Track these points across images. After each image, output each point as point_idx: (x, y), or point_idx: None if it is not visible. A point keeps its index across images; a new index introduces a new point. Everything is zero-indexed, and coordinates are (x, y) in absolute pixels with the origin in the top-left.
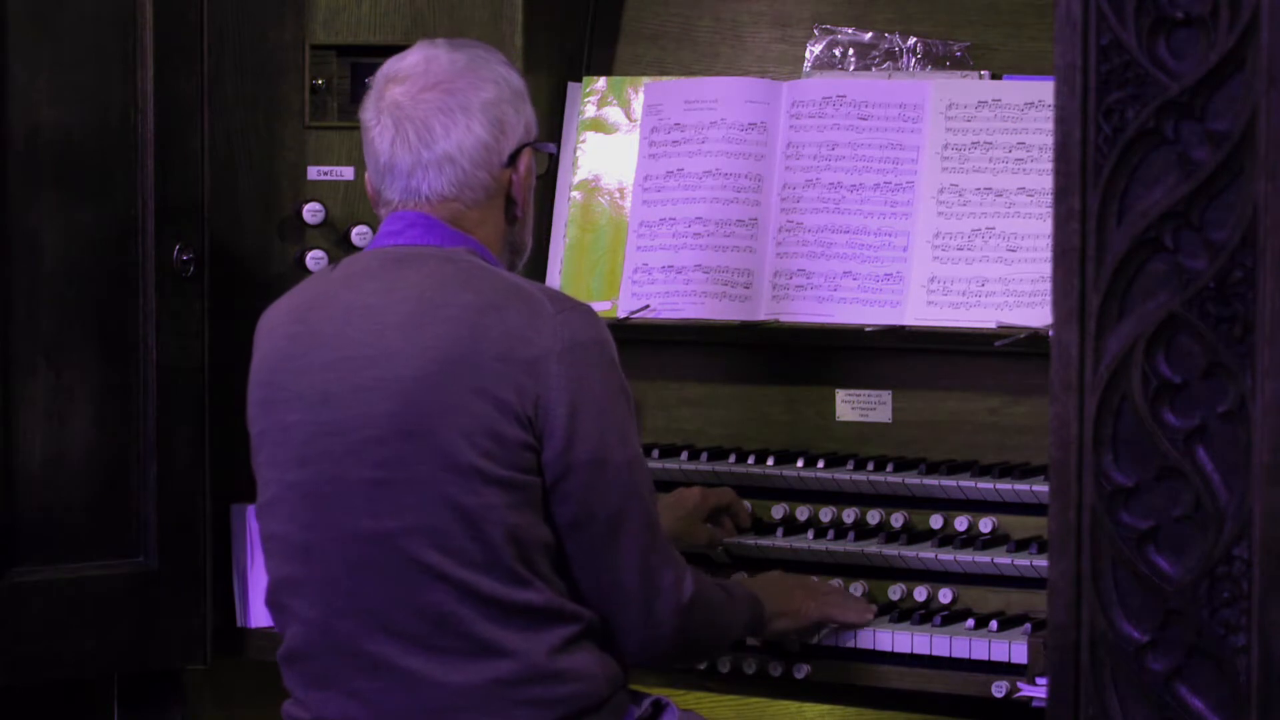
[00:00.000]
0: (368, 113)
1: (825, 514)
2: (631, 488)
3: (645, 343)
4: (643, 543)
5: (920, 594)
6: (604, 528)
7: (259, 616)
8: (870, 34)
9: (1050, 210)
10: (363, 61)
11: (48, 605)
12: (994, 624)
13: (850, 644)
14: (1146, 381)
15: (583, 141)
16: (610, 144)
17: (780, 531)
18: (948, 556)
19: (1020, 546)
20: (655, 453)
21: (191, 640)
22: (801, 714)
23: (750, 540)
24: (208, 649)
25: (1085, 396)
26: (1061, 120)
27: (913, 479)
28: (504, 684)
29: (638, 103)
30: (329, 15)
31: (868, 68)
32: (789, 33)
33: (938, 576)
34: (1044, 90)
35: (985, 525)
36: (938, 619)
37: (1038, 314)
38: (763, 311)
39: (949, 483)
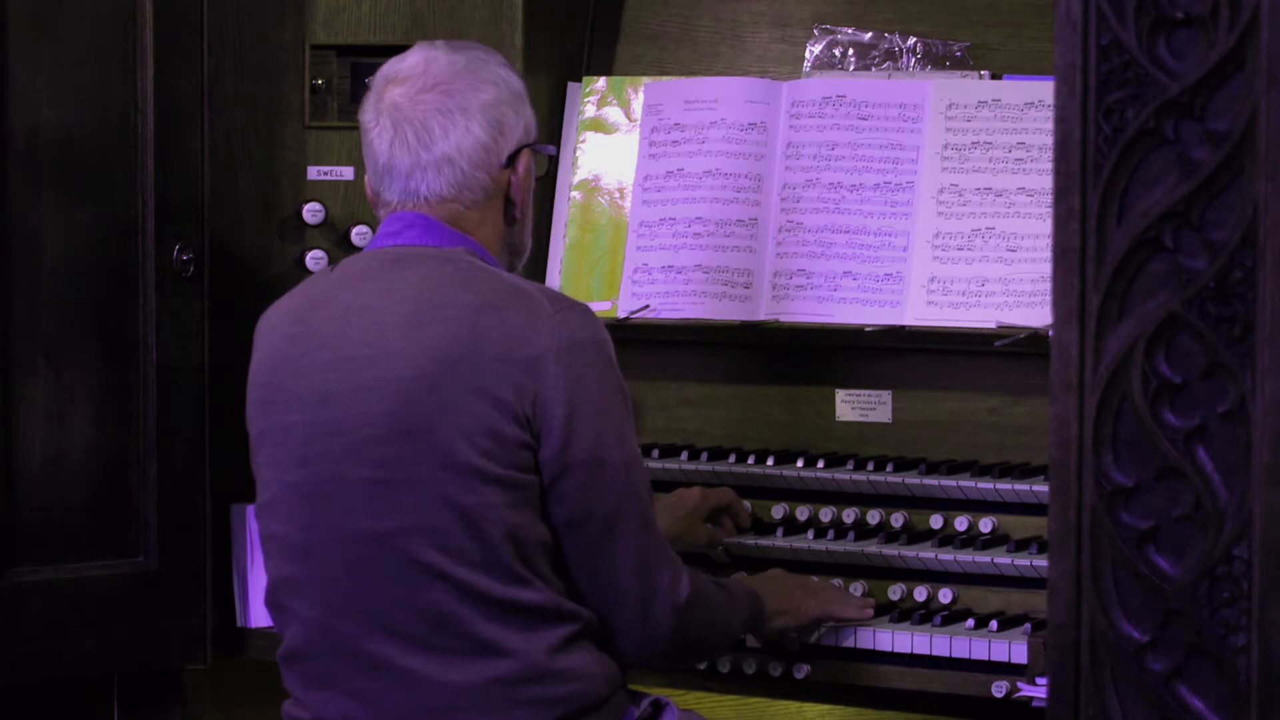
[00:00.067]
0: (367, 114)
1: (825, 514)
2: (629, 488)
3: (645, 343)
4: (640, 543)
5: (920, 594)
6: (601, 527)
7: (259, 616)
8: (870, 34)
9: (1050, 210)
10: (363, 61)
11: (48, 605)
12: (994, 624)
13: (850, 644)
14: (1146, 381)
15: (583, 141)
16: (610, 144)
17: (780, 531)
18: (948, 556)
19: (1020, 546)
20: (655, 453)
21: (191, 640)
22: (801, 714)
23: (750, 540)
24: (208, 649)
25: (1085, 396)
26: (1061, 120)
27: (913, 479)
28: (503, 683)
29: (638, 103)
30: (329, 15)
31: (868, 68)
32: (789, 33)
33: (938, 576)
34: (1044, 90)
35: (985, 525)
36: (938, 619)
37: (1038, 314)
38: (763, 311)
39: (949, 483)
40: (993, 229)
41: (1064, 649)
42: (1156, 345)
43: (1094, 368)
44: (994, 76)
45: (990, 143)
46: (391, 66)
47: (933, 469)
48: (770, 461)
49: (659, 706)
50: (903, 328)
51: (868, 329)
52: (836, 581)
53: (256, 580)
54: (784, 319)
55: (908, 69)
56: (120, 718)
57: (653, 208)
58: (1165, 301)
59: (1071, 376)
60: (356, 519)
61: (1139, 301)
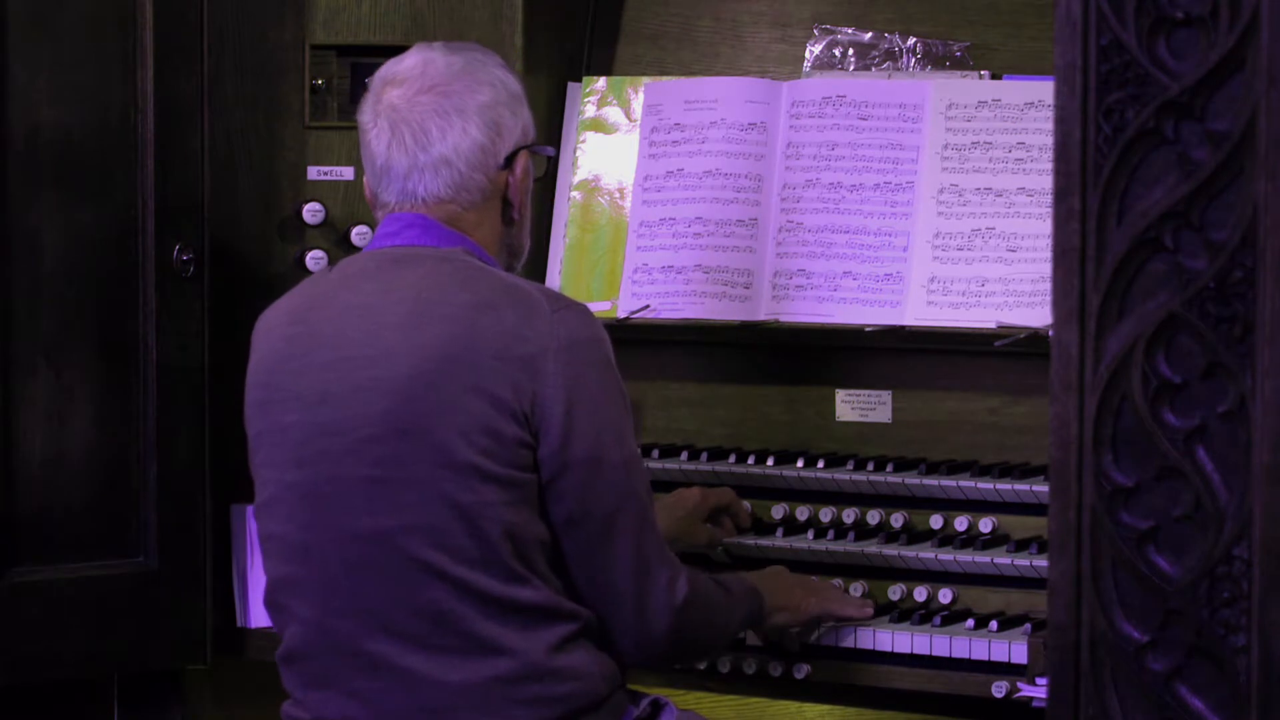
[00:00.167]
0: (365, 115)
1: (825, 514)
2: (627, 487)
3: (645, 343)
4: (638, 542)
5: (920, 594)
6: (599, 526)
7: (259, 616)
8: (870, 34)
9: (1050, 210)
10: (363, 61)
11: (48, 605)
12: (994, 624)
13: (850, 644)
14: (1146, 381)
15: (583, 141)
16: (610, 144)
17: (780, 531)
18: (948, 556)
19: (1020, 546)
20: (655, 453)
21: (191, 640)
22: (801, 714)
23: (750, 540)
24: (208, 649)
25: (1085, 396)
26: (1061, 120)
27: (913, 479)
28: (503, 682)
29: (638, 103)
30: (329, 15)
31: (868, 68)
32: (789, 33)
33: (938, 576)
34: (1044, 90)
35: (985, 525)
36: (938, 619)
37: (1038, 314)
38: (763, 311)
39: (949, 483)
40: (993, 229)
41: (1064, 649)
42: (1156, 345)
43: (1094, 368)
44: (994, 76)
45: (990, 143)
46: (389, 68)
47: (933, 469)
48: (770, 461)
49: (658, 706)
50: (903, 328)
51: (868, 329)
52: (836, 581)
53: (256, 580)
54: (784, 319)
55: (908, 69)
56: (120, 718)
57: (653, 208)
58: (1165, 301)
59: (1071, 376)
60: (355, 518)
61: (1139, 301)
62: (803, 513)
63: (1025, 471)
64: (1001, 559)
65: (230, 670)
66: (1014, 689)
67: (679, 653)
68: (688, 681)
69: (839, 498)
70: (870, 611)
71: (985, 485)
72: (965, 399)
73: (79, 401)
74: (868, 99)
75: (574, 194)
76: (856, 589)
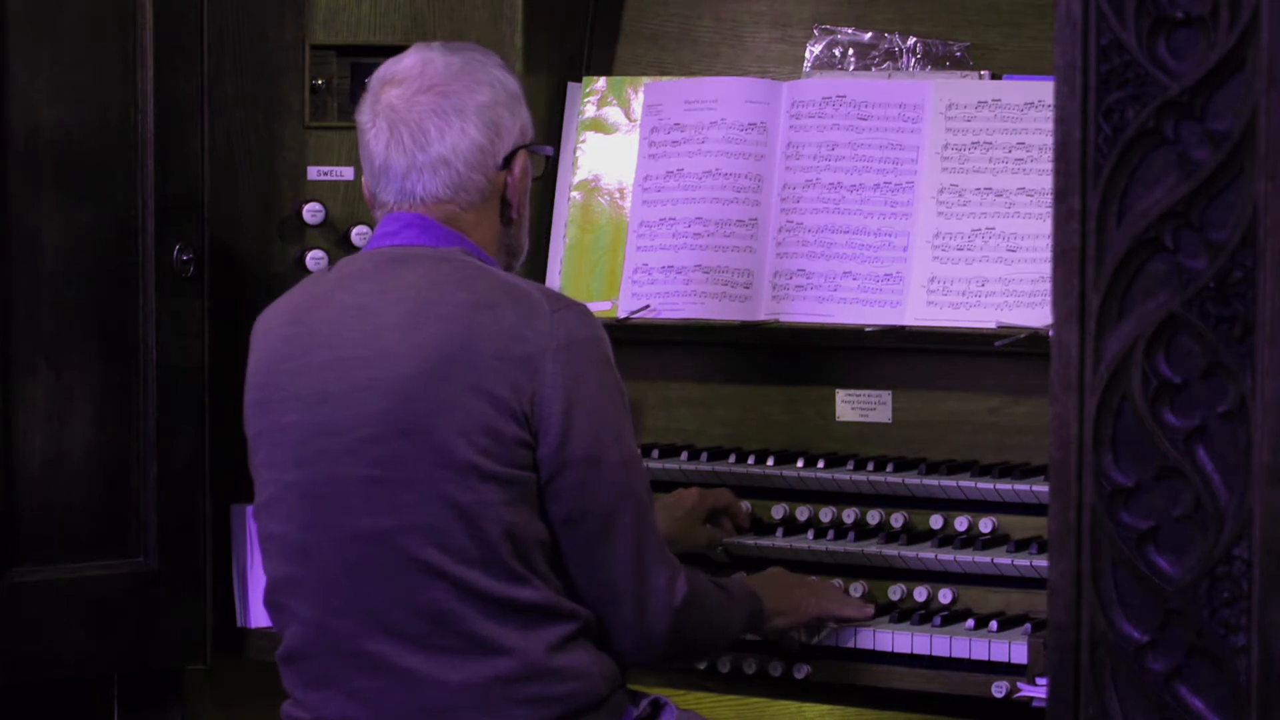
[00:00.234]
0: (363, 115)
1: (825, 514)
2: (626, 486)
3: (645, 343)
4: (637, 542)
5: (920, 594)
6: (598, 525)
7: (259, 616)
8: (870, 34)
9: (1050, 210)
10: (363, 62)
11: (48, 605)
12: (994, 624)
13: (850, 644)
14: (1146, 381)
15: (583, 141)
16: (610, 144)
17: (780, 532)
18: (948, 556)
19: (1020, 546)
20: (655, 453)
21: (191, 640)
22: (801, 714)
23: (750, 540)
24: (208, 649)
25: (1085, 396)
26: (1061, 120)
27: (913, 479)
28: (503, 682)
29: (638, 103)
30: (329, 15)
31: (868, 68)
32: (789, 33)
33: (938, 576)
34: (1044, 90)
35: (985, 525)
36: (938, 619)
37: (1038, 314)
38: (763, 311)
39: (949, 483)
40: (993, 229)
41: (1064, 649)
42: (1156, 345)
43: (1094, 368)
44: (994, 76)
45: (990, 143)
46: (388, 68)
47: (933, 469)
48: (770, 462)
49: (658, 706)
50: (903, 328)
51: (868, 329)
52: (836, 582)
53: (256, 580)
54: (784, 319)
55: (908, 69)
56: (120, 718)
57: (653, 208)
58: (1165, 301)
59: (1071, 376)
60: (355, 518)
61: (1139, 301)
62: (803, 513)
63: (1025, 471)
64: (1001, 559)
65: (230, 670)
66: (1014, 689)
67: (678, 653)
68: (688, 681)
69: (839, 498)
70: (871, 612)
71: (985, 485)
72: (965, 399)
73: (79, 401)
74: (868, 99)
75: (574, 194)
76: (856, 589)
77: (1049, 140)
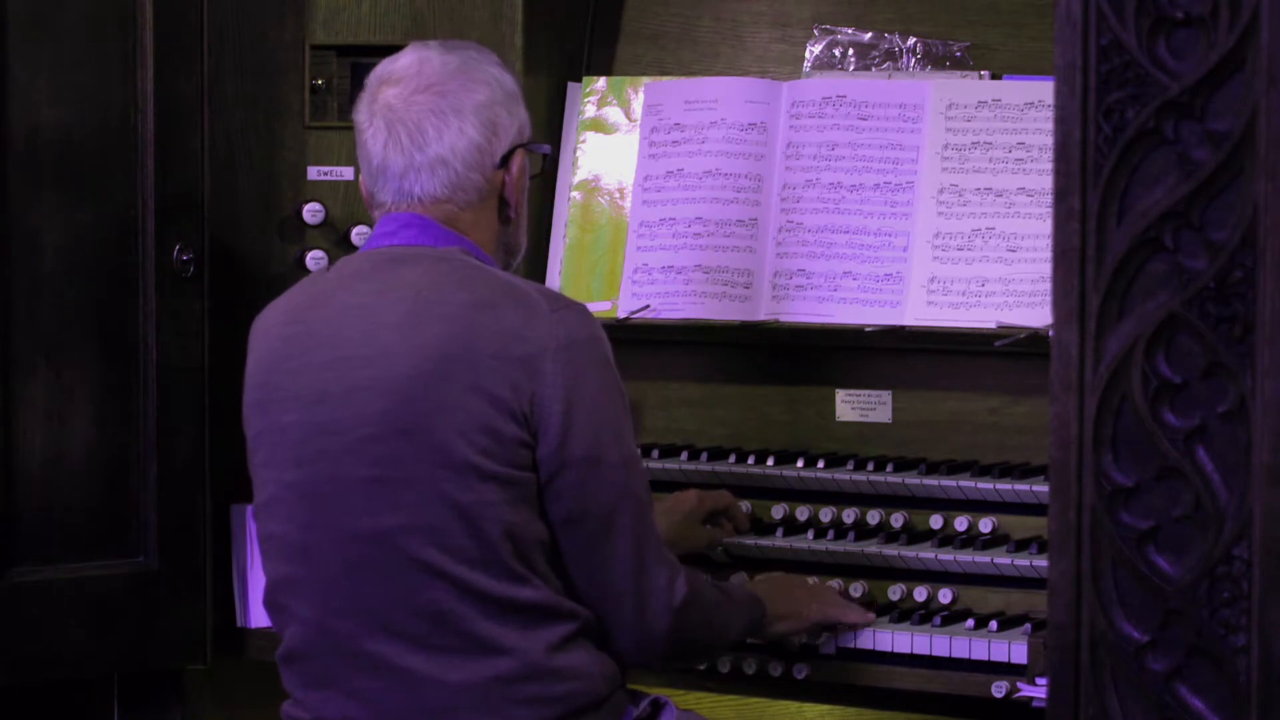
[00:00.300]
0: (361, 114)
1: (825, 514)
2: (626, 487)
3: (645, 343)
4: (636, 542)
5: (920, 594)
6: (597, 525)
7: (259, 616)
8: (870, 34)
9: (1050, 210)
10: (363, 61)
11: (48, 605)
12: (994, 624)
13: (850, 644)
14: (1146, 381)
15: (583, 141)
16: (610, 144)
17: (780, 532)
18: (948, 556)
19: (1020, 546)
20: (655, 453)
21: (191, 640)
22: (801, 714)
23: (750, 540)
24: (208, 649)
25: (1085, 396)
26: (1061, 120)
27: (913, 479)
28: (503, 682)
29: (638, 103)
30: (329, 15)
31: (868, 68)
32: (789, 33)
33: (938, 576)
34: (1044, 90)
35: (985, 525)
36: (938, 619)
37: (1038, 314)
38: (763, 311)
39: (949, 483)
40: (993, 229)
41: (1064, 649)
42: (1156, 345)
43: (1094, 368)
44: (994, 76)
45: (990, 143)
46: (385, 67)
47: (933, 469)
48: (770, 462)
49: (658, 706)
50: (903, 328)
51: (868, 329)
52: (836, 582)
53: (256, 580)
54: (784, 319)
55: (908, 69)
56: (120, 718)
57: (653, 208)
58: (1165, 301)
59: (1071, 376)
60: (355, 518)
61: (1139, 301)
62: (803, 513)
63: (1025, 471)
64: (1001, 559)
65: (230, 670)
66: (1014, 689)
67: (678, 653)
68: (688, 681)
69: (839, 498)
70: (872, 617)
71: (985, 485)
72: (965, 399)
73: (79, 401)
74: (868, 99)
75: (574, 194)
76: (856, 589)
77: (1049, 140)
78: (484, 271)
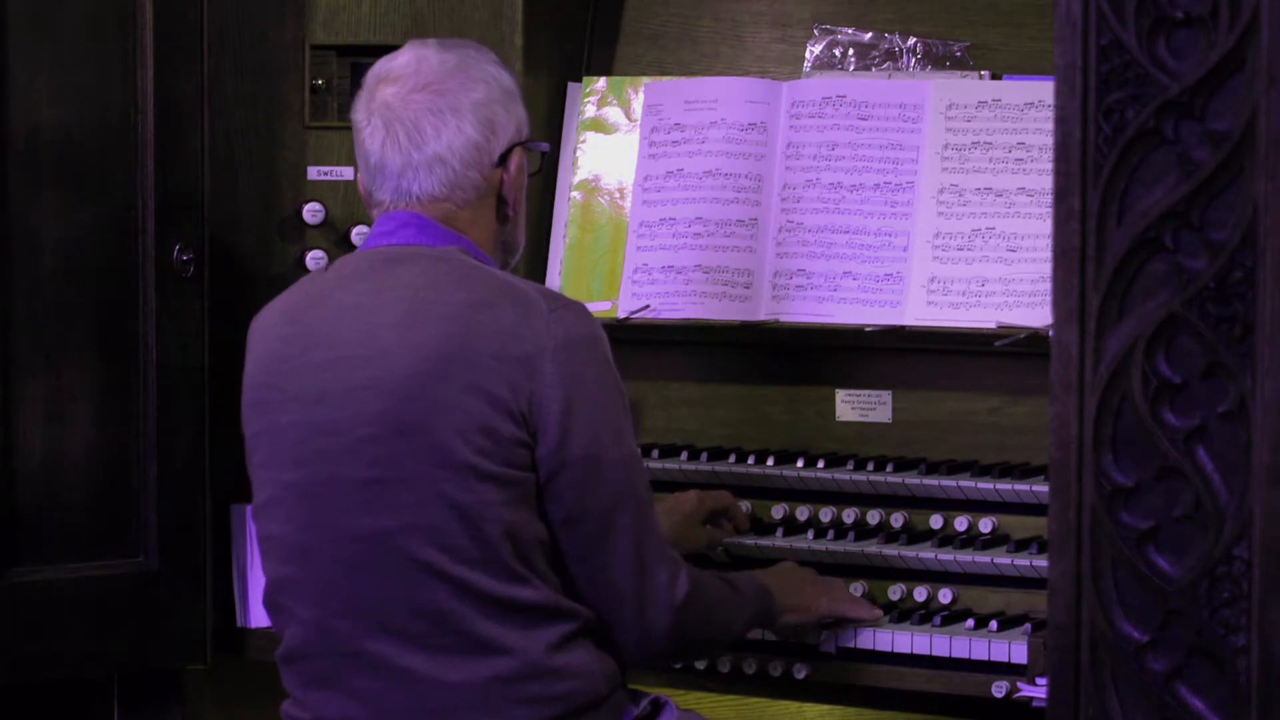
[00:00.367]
0: (359, 113)
1: (825, 514)
2: (626, 485)
3: (645, 343)
4: (637, 540)
5: (920, 594)
6: (597, 525)
7: (259, 616)
8: (870, 34)
9: (1050, 210)
10: (363, 61)
11: (48, 605)
12: (994, 624)
13: (850, 644)
14: (1146, 381)
15: (583, 141)
16: (610, 144)
17: (780, 532)
18: (948, 556)
19: (1020, 546)
20: (655, 453)
21: (191, 640)
22: (801, 714)
23: (750, 540)
24: (208, 649)
25: (1085, 396)
26: (1061, 120)
27: (913, 479)
28: (503, 681)
29: (638, 103)
30: (329, 15)
31: (868, 68)
32: (789, 33)
33: (938, 576)
34: (1044, 90)
35: (985, 525)
36: (938, 619)
37: (1038, 314)
38: (763, 311)
39: (949, 483)
40: (993, 229)
41: (1064, 649)
42: (1156, 345)
43: (1094, 368)
44: (994, 76)
45: (990, 143)
46: (383, 65)
47: (933, 469)
48: (770, 462)
49: (658, 705)
50: (903, 328)
51: (868, 329)
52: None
53: (256, 580)
54: (784, 319)
55: (908, 69)
56: (120, 718)
57: (653, 208)
58: (1165, 301)
59: (1071, 376)
60: (354, 518)
61: (1139, 301)
62: (803, 513)
63: (1025, 471)
64: (1001, 559)
65: (230, 670)
66: (1014, 689)
67: (681, 651)
68: (688, 681)
69: (839, 498)
70: (879, 614)
71: (985, 485)
72: (965, 399)
73: (79, 401)
74: (868, 99)
75: (574, 194)
76: (856, 589)
77: (1049, 140)
78: (482, 271)
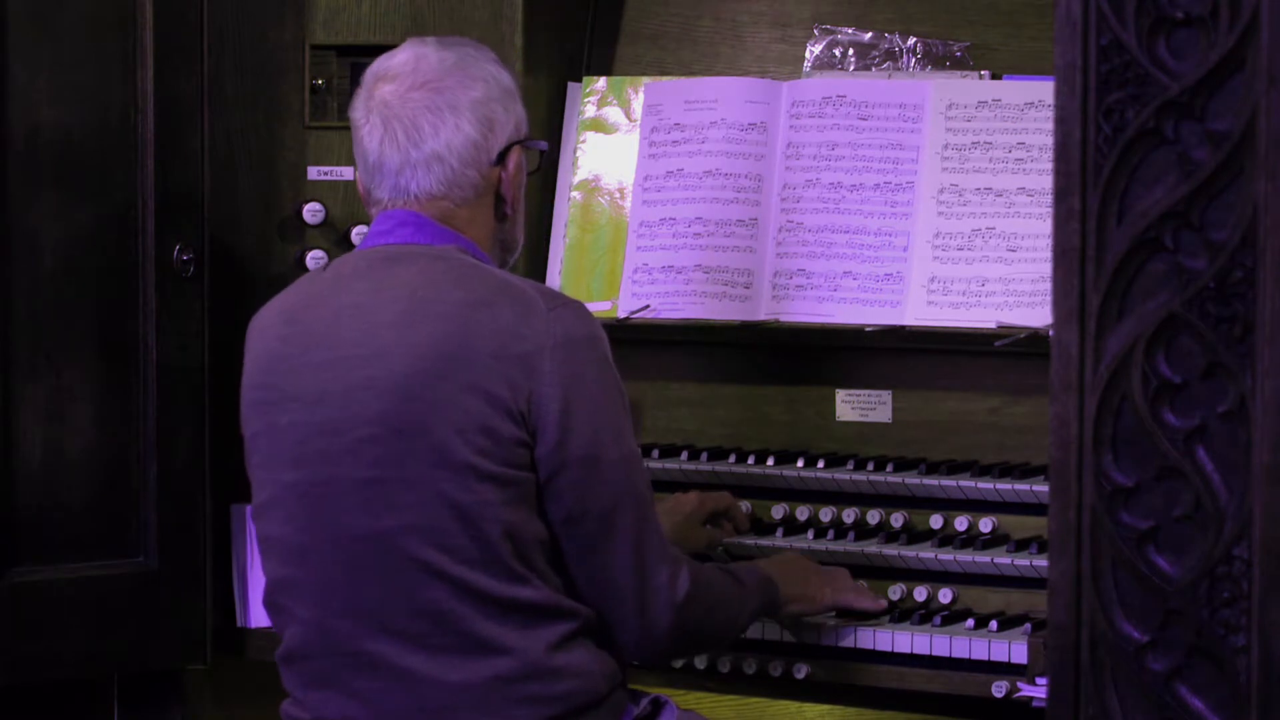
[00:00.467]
0: (357, 111)
1: (825, 514)
2: (626, 484)
3: (645, 343)
4: (637, 540)
5: (920, 594)
6: (597, 524)
7: (259, 616)
8: (870, 34)
9: (1050, 210)
10: (363, 61)
11: (48, 605)
12: (994, 624)
13: (850, 644)
14: (1146, 381)
15: (583, 141)
16: (610, 144)
17: (780, 532)
18: (948, 556)
19: (1020, 546)
20: (655, 453)
21: (191, 640)
22: (801, 714)
23: (750, 540)
24: (208, 649)
25: (1085, 396)
26: (1061, 120)
27: (913, 479)
28: (503, 681)
29: (638, 103)
30: (329, 15)
31: (868, 68)
32: (789, 33)
33: (938, 576)
34: (1044, 90)
35: (985, 525)
36: (938, 619)
37: (1038, 314)
38: (763, 311)
39: (949, 483)
40: (993, 229)
41: (1064, 649)
42: (1156, 345)
43: (1094, 368)
44: (994, 76)
45: (990, 143)
46: (381, 63)
47: (933, 469)
48: (770, 461)
49: (658, 705)
50: (903, 328)
51: (868, 329)
52: None
53: (256, 580)
54: (784, 319)
55: (908, 69)
56: (120, 718)
57: (653, 208)
58: (1165, 301)
59: (1071, 376)
60: (354, 519)
61: (1139, 301)
62: (803, 513)
63: (1025, 471)
64: (1001, 559)
65: (230, 670)
66: (1014, 689)
67: (683, 648)
68: (688, 681)
69: (839, 498)
70: (884, 604)
71: (985, 485)
72: (965, 399)
73: (79, 401)
74: (868, 99)
75: (574, 194)
76: (857, 585)
77: (1049, 140)
78: (480, 270)
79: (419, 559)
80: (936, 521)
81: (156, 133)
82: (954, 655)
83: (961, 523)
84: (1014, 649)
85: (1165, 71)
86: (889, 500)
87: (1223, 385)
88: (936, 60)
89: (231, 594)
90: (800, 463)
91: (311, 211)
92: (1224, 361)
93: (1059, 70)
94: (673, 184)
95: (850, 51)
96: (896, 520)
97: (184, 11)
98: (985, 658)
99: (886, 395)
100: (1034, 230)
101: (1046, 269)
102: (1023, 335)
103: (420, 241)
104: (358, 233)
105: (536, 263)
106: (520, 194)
